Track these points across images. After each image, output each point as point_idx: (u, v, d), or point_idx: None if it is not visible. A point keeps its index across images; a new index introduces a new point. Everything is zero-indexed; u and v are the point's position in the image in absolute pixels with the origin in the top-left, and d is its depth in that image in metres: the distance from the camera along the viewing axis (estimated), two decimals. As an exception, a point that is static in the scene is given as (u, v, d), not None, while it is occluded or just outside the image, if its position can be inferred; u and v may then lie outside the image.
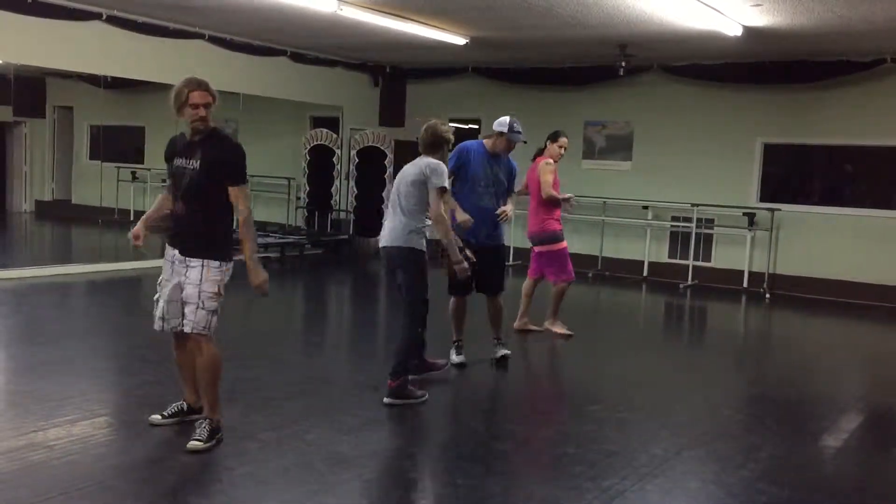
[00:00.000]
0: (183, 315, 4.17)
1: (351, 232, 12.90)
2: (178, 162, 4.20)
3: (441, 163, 5.10)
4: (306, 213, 13.27)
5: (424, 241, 5.09)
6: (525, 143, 6.19)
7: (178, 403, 4.45)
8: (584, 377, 6.42)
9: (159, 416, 4.39)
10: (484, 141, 6.12)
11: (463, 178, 5.93)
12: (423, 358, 5.56)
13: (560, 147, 7.09)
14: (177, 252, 4.20)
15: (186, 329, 4.18)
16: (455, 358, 6.02)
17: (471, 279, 5.62)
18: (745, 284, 10.75)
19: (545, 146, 7.16)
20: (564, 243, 7.11)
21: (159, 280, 4.32)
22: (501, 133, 6.00)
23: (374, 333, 7.70)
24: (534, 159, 7.20)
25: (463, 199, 5.84)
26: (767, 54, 10.05)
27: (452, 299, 6.07)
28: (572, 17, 8.41)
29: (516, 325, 7.19)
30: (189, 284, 4.15)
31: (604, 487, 3.86)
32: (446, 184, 5.06)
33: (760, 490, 3.94)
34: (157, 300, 4.29)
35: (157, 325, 4.29)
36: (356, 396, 5.11)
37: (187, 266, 4.16)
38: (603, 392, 5.86)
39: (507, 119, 6.02)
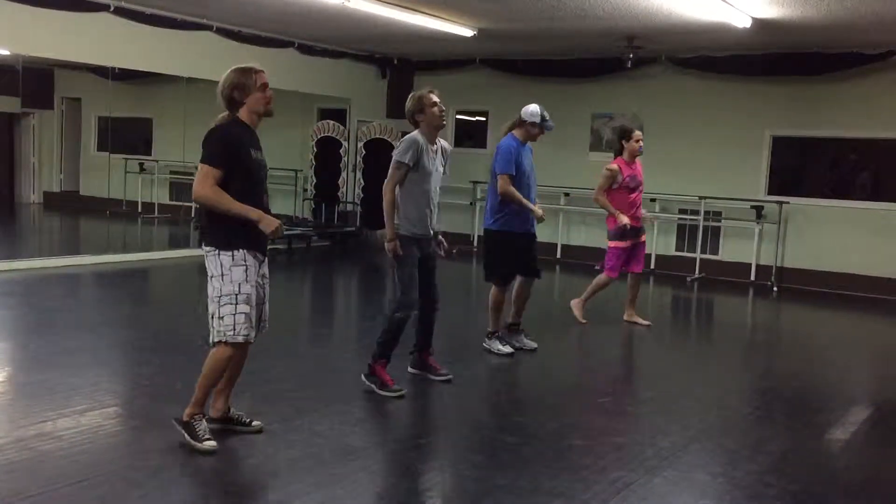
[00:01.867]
0: (262, 314, 4.09)
1: (358, 224, 12.91)
2: (256, 155, 3.94)
3: (409, 138, 5.02)
4: (313, 205, 13.27)
5: (408, 226, 5.04)
6: (551, 129, 6.12)
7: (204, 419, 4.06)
8: (591, 369, 6.41)
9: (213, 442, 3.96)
10: (514, 133, 6.08)
11: (518, 175, 5.96)
12: (424, 358, 5.42)
13: (637, 141, 7.15)
14: (258, 253, 3.97)
15: (267, 327, 4.16)
16: (507, 348, 6.11)
17: (517, 266, 6.07)
18: (752, 278, 10.73)
19: (621, 147, 7.23)
20: (620, 243, 7.23)
21: (243, 292, 3.87)
22: (535, 123, 5.99)
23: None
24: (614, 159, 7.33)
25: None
26: (776, 46, 10.00)
27: (494, 289, 6.13)
28: (580, 9, 8.38)
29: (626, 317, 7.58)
30: (267, 282, 4.09)
31: (611, 480, 3.86)
32: (403, 158, 4.97)
33: (769, 483, 3.94)
34: (249, 313, 3.89)
35: (250, 333, 3.95)
36: (361, 388, 5.11)
37: (263, 263, 4.06)
38: (610, 384, 5.86)
39: (537, 109, 6.01)
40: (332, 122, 13.08)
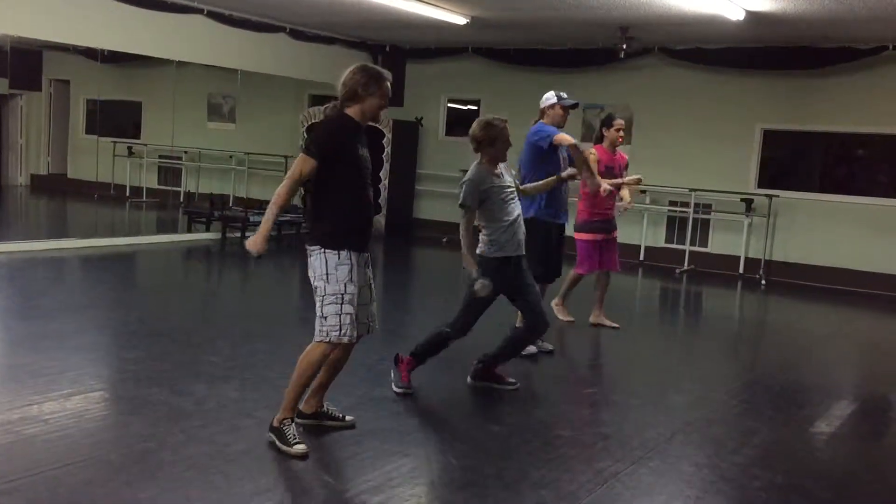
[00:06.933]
0: (369, 314, 4.10)
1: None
2: (363, 152, 4.08)
3: (470, 178, 4.78)
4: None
5: (487, 248, 4.92)
6: (576, 106, 5.93)
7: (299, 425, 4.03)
8: (579, 360, 6.42)
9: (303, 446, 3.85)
10: (542, 121, 5.83)
11: (555, 163, 5.73)
12: (491, 369, 5.25)
13: (617, 130, 6.68)
14: (361, 252, 3.99)
15: (376, 325, 4.17)
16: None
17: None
18: (741, 270, 10.77)
19: (601, 135, 6.79)
20: (584, 235, 6.80)
21: (349, 292, 3.83)
22: (553, 105, 5.79)
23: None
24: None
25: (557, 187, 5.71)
26: (769, 40, 10.01)
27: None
28: (574, -1, 8.36)
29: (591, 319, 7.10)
30: (373, 282, 4.13)
31: (598, 469, 3.87)
32: (465, 202, 4.80)
33: (754, 475, 3.96)
34: (353, 313, 3.85)
35: (353, 334, 3.88)
36: (352, 375, 5.09)
37: (368, 262, 4.09)
38: (598, 375, 5.87)
39: (551, 92, 5.85)
40: (322, 108, 13.01)
